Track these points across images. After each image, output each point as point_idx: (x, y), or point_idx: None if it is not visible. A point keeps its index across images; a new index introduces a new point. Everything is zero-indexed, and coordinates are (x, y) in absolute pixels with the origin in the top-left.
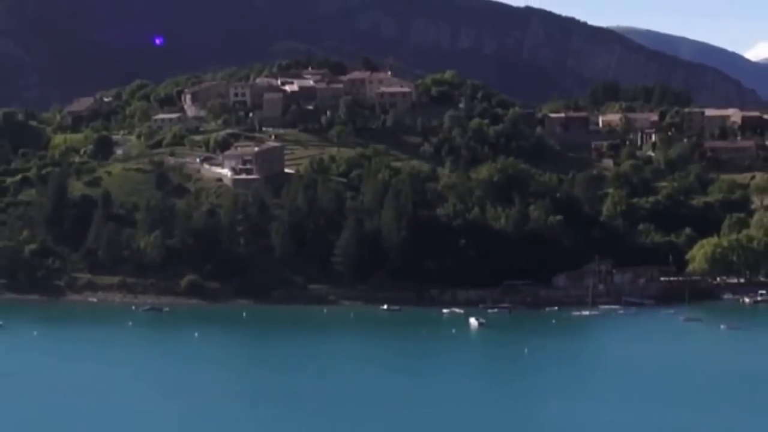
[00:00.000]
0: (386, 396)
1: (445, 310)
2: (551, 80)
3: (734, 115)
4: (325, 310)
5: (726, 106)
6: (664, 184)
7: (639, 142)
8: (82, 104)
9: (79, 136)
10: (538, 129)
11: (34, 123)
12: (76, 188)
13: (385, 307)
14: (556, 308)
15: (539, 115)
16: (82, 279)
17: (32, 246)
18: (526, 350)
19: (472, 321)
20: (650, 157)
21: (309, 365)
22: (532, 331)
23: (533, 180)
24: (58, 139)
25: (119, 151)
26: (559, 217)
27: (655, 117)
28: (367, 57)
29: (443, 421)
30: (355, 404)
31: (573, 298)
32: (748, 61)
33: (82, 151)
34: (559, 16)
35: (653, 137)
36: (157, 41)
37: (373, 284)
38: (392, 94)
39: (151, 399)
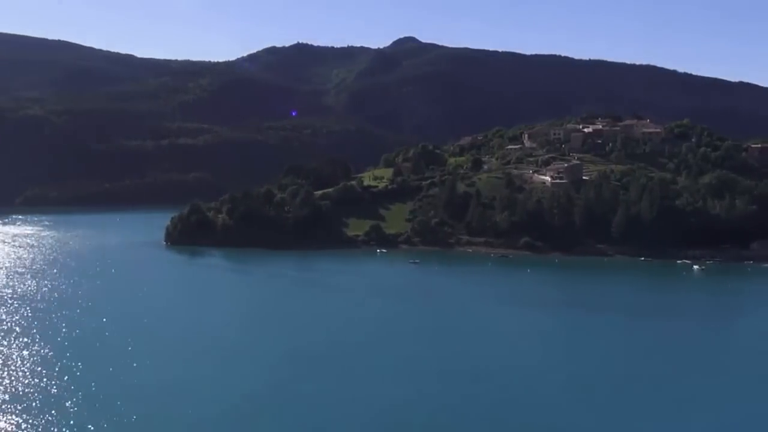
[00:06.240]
0: (643, 306)
1: (678, 261)
2: (750, 126)
3: None
4: (605, 260)
5: None
6: None
7: None
8: (465, 141)
9: (462, 158)
10: (743, 154)
11: (438, 151)
12: (461, 188)
13: (642, 258)
14: (751, 262)
15: (744, 146)
16: (464, 239)
17: (436, 220)
18: (728, 286)
19: (695, 267)
20: None
21: (596, 288)
22: (734, 275)
23: (737, 184)
24: (451, 160)
25: (485, 167)
26: (754, 207)
27: None
28: (636, 113)
29: (680, 317)
30: (624, 308)
31: (763, 257)
32: None
33: (464, 167)
34: (763, 87)
35: None
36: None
37: (635, 245)
38: (650, 133)
39: (502, 304)
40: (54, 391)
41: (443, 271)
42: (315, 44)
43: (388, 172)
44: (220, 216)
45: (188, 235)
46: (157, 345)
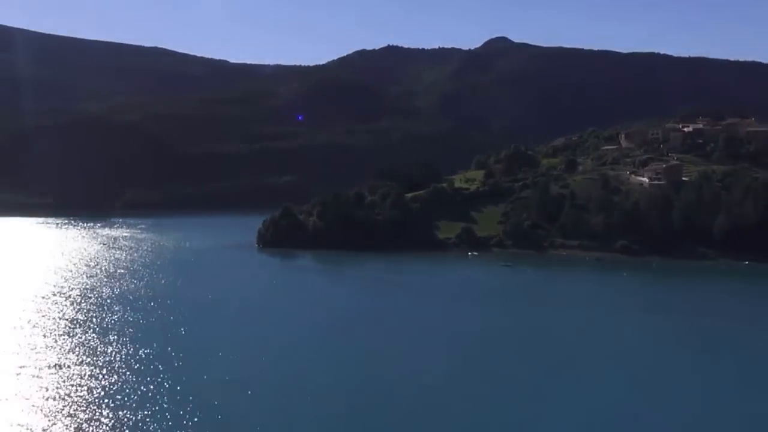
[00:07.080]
0: (752, 312)
1: None
2: None
3: None
4: (706, 263)
5: None
6: None
7: None
8: (559, 141)
9: (556, 160)
10: None
11: (530, 152)
12: (554, 189)
13: (746, 262)
14: None
15: None
16: (557, 242)
17: (528, 222)
18: None
19: None
20: None
21: (700, 292)
22: None
23: None
24: (545, 161)
25: (580, 168)
26: None
27: None
28: (739, 111)
29: None
30: (732, 313)
31: None
32: None
33: (558, 168)
34: None
35: None
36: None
37: (738, 248)
38: (755, 132)
39: (605, 309)
40: (151, 388)
41: (537, 274)
42: (405, 46)
43: (479, 174)
44: (311, 219)
45: (280, 238)
46: (255, 347)
